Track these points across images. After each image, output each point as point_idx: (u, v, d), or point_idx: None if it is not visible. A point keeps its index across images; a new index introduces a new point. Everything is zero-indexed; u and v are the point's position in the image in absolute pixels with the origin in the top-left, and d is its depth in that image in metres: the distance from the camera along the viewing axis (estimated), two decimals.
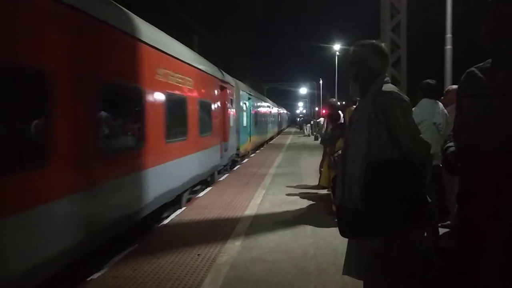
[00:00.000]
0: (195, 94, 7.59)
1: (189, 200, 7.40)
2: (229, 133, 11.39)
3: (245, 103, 15.14)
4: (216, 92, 9.78)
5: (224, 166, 11.24)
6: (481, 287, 1.64)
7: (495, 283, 1.60)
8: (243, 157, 14.80)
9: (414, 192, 1.98)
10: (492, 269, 1.60)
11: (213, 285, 3.50)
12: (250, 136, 16.33)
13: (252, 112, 17.35)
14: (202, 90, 8.32)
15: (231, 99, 11.92)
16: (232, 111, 12.08)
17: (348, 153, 2.11)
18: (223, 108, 10.75)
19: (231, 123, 11.87)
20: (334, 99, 10.43)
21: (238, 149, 13.26)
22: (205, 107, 8.53)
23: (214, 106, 9.43)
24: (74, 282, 3.62)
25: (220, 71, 10.73)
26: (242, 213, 6.08)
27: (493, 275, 1.60)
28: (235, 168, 11.95)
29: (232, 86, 12.33)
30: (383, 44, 2.26)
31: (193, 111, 7.44)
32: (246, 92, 15.55)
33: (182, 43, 8.06)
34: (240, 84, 14.31)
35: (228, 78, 11.70)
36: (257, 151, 18.25)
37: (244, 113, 14.89)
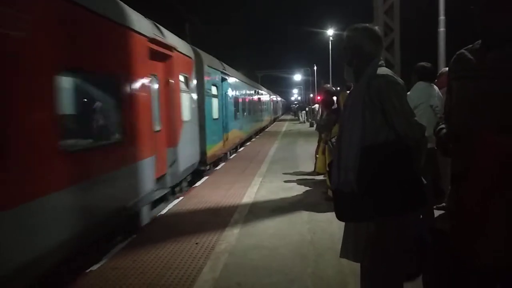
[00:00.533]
0: (48, 54, 3.43)
1: None
2: (180, 133, 7.16)
3: (216, 86, 10.57)
4: (140, 60, 5.39)
5: (173, 188, 7.04)
6: (476, 267, 1.66)
7: (488, 263, 1.62)
8: (218, 161, 10.78)
9: (410, 175, 1.99)
10: (487, 250, 1.63)
11: (212, 272, 3.53)
12: (225, 133, 11.76)
13: (230, 99, 12.74)
14: (87, 50, 4.07)
15: (185, 78, 7.83)
16: (188, 97, 8.02)
17: (343, 137, 2.12)
18: (166, 91, 6.64)
19: (187, 116, 7.73)
20: (328, 85, 10.41)
21: (204, 153, 8.99)
22: (96, 85, 4.66)
23: (132, 87, 5.03)
24: (74, 274, 3.64)
25: (156, 26, 6.34)
26: (239, 201, 6.11)
27: (487, 256, 1.63)
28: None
29: (189, 57, 8.23)
30: (376, 28, 2.25)
31: (33, 93, 3.25)
32: (218, 70, 10.97)
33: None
34: (206, 57, 9.68)
35: (175, 41, 7.18)
36: (253, 139, 18.24)
37: (215, 100, 10.41)
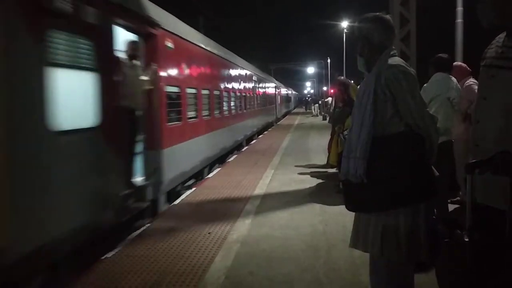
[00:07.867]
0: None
1: None
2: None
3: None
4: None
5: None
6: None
7: None
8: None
9: (420, 165, 1.97)
10: None
11: (224, 262, 3.58)
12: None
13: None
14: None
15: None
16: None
17: (353, 128, 2.10)
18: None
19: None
20: (342, 77, 10.31)
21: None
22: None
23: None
24: (89, 261, 3.73)
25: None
26: (251, 193, 6.14)
27: None
28: None
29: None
30: (388, 16, 2.20)
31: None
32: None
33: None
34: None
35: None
36: (265, 132, 18.22)
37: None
